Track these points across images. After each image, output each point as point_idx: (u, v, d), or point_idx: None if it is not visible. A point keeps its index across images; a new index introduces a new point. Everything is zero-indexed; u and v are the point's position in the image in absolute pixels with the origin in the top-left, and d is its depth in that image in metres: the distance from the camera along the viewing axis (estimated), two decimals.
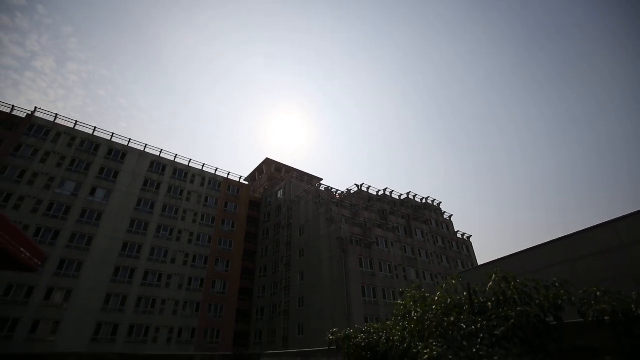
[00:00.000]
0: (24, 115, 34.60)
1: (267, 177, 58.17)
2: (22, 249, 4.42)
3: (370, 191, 45.61)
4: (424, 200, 49.03)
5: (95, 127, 38.49)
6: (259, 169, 62.11)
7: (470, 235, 47.96)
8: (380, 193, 46.29)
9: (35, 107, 35.48)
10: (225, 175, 47.16)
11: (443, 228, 46.16)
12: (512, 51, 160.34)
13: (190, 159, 44.26)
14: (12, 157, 32.32)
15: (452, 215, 49.21)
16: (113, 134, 39.58)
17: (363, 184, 44.76)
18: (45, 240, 31.02)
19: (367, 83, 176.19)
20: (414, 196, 48.78)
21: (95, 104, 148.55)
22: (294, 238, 40.23)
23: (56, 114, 36.48)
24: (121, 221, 35.61)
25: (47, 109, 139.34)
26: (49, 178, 33.49)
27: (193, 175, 43.80)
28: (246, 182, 52.80)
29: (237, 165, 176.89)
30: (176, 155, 43.36)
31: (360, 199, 42.49)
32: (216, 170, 46.29)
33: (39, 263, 4.83)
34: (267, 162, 60.08)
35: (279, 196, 47.57)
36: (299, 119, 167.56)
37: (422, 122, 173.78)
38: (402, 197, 48.05)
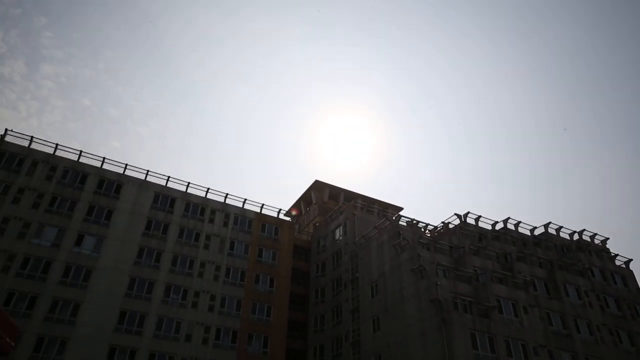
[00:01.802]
0: None
1: (318, 208, 58.41)
2: None
3: (481, 224, 43.28)
4: (576, 236, 45.15)
5: (80, 152, 42.32)
6: (305, 197, 62.81)
7: None
8: (498, 227, 43.58)
9: (6, 130, 40.26)
10: (258, 209, 48.36)
11: (616, 282, 42.03)
12: None
13: (208, 188, 46.35)
14: None
15: (630, 260, 44.23)
16: (104, 158, 43.11)
17: (468, 212, 42.48)
18: (19, 311, 33.67)
19: (468, 64, 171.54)
20: (558, 230, 45.19)
21: (78, 117, 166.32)
22: (364, 301, 39.21)
23: (31, 137, 40.86)
24: (117, 280, 37.82)
25: (19, 130, 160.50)
26: (24, 224, 37.05)
27: (212, 212, 45.62)
28: (288, 218, 53.47)
29: (274, 194, 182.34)
30: (188, 183, 45.74)
31: (465, 237, 40.42)
32: (244, 203, 47.73)
33: (12, 343, 5.45)
34: (317, 186, 60.55)
35: (337, 237, 47.18)
36: (363, 122, 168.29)
37: (566, 108, 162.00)
38: (538, 232, 44.67)
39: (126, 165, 43.65)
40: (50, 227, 37.97)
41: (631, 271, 43.52)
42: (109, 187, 42.16)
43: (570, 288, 38.16)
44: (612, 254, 44.70)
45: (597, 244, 45.35)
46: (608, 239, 45.65)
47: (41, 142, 41.37)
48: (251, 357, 39.57)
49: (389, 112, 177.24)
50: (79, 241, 38.38)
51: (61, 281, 36.07)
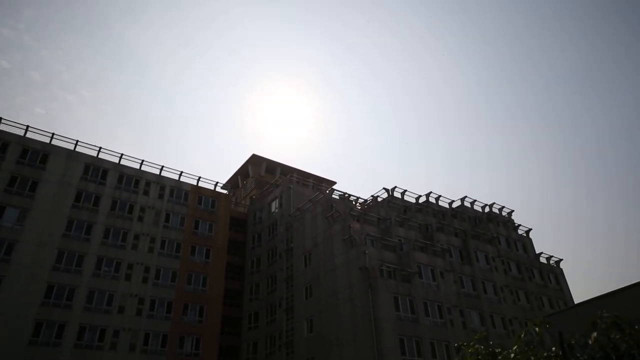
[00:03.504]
0: None
1: (255, 182, 58.46)
2: None
3: (406, 198, 45.64)
4: (486, 209, 48.93)
5: (0, 118, 39.28)
6: (242, 171, 62.54)
7: (561, 259, 47.48)
8: (421, 200, 46.18)
9: None
10: (195, 182, 47.57)
11: (518, 249, 46.12)
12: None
13: (143, 160, 44.87)
14: None
15: (530, 229, 48.93)
16: (28, 126, 40.37)
17: (395, 187, 44.75)
18: None
19: (402, 49, 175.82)
20: (472, 203, 48.71)
21: None
22: (297, 270, 40.33)
23: None
24: (44, 254, 36.09)
25: None
26: None
27: (147, 183, 44.27)
28: (225, 191, 53.15)
29: (211, 167, 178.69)
30: (122, 155, 44.00)
31: (391, 209, 42.50)
32: (181, 175, 46.78)
33: None
34: (255, 160, 60.46)
35: (273, 210, 47.73)
36: (301, 99, 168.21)
37: (477, 94, 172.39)
38: (455, 205, 47.84)
39: (53, 134, 41.14)
40: None
41: (530, 239, 48.27)
42: (33, 157, 39.51)
43: (480, 255, 41.64)
44: (516, 225, 49.16)
45: (504, 216, 49.60)
46: (513, 211, 50.11)
47: None
48: (187, 326, 39.69)
49: (327, 90, 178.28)
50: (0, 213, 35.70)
51: None
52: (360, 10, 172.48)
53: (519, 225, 49.02)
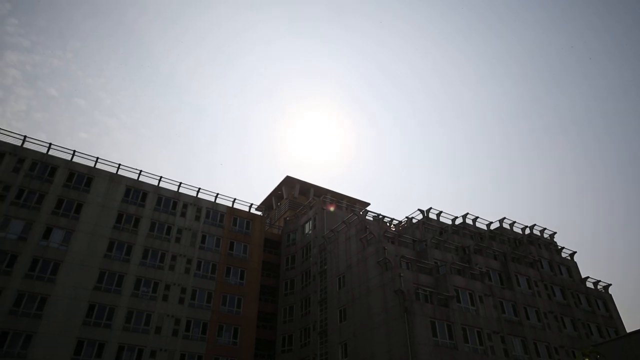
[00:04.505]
0: None
1: (289, 203, 58.50)
2: None
3: (442, 219, 44.49)
4: (527, 231, 46.99)
5: (50, 144, 40.99)
6: (276, 193, 62.81)
7: (609, 284, 44.62)
8: (458, 222, 44.92)
9: None
10: (230, 204, 48.07)
11: (562, 273, 43.86)
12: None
13: (181, 183, 45.71)
14: None
15: (574, 252, 46.47)
16: (74, 151, 41.93)
17: (430, 208, 43.66)
18: None
19: (430, 68, 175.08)
20: (512, 224, 46.88)
21: (45, 107, 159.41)
22: (331, 293, 39.64)
23: None
24: (86, 274, 36.90)
25: None
26: None
27: (184, 205, 45.05)
28: (259, 212, 53.44)
29: (245, 189, 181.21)
30: (160, 177, 44.97)
31: (427, 231, 41.45)
32: (217, 197, 47.36)
33: None
34: (288, 181, 60.64)
35: (306, 231, 47.47)
36: (333, 119, 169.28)
37: (511, 114, 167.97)
38: (493, 227, 46.29)
39: (97, 158, 42.53)
40: (17, 221, 36.65)
41: (575, 263, 45.78)
42: (79, 180, 40.99)
43: (522, 278, 39.80)
44: (559, 247, 46.87)
45: (546, 238, 47.43)
46: (555, 233, 47.86)
47: (7, 133, 39.72)
48: (221, 348, 39.44)
49: (358, 109, 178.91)
50: (46, 234, 37.24)
51: (27, 274, 34.87)
52: (390, 29, 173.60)
53: (563, 247, 46.72)
